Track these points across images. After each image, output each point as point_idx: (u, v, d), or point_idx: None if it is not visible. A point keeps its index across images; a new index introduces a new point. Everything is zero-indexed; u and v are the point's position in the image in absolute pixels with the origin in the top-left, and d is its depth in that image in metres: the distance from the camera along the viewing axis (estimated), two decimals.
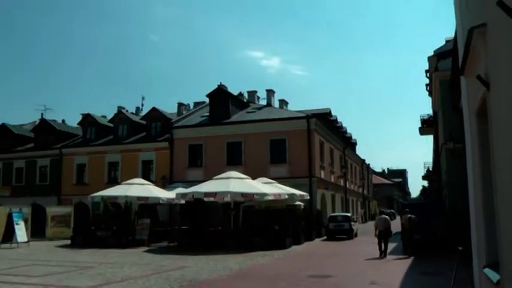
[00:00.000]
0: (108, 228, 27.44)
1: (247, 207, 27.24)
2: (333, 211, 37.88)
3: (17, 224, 27.93)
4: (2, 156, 46.51)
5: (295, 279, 13.33)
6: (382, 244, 19.78)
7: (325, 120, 39.12)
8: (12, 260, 20.31)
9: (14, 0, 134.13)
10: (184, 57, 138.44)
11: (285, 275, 14.29)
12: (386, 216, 21.49)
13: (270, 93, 42.01)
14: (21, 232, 28.04)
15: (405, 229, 21.07)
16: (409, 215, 21.05)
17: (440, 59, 24.75)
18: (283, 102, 43.42)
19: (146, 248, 24.52)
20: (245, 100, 42.95)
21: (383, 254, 19.64)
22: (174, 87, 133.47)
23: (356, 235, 31.71)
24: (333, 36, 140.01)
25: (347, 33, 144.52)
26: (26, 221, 29.92)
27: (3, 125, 48.26)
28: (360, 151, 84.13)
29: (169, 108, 45.53)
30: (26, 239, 28.22)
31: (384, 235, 19.94)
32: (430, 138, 41.92)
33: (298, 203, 29.22)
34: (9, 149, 46.49)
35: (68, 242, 29.17)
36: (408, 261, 17.63)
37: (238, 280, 13.43)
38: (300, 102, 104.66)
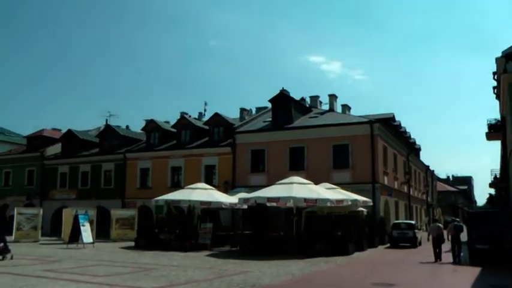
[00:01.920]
0: (171, 231, 27.82)
1: (309, 213, 27.02)
2: (396, 218, 37.05)
3: (82, 225, 28.85)
4: (68, 160, 48.17)
5: (358, 287, 13.07)
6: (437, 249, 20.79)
7: (388, 125, 38.42)
8: (79, 259, 20.89)
9: (80, 12, 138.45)
10: (245, 62, 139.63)
11: (348, 282, 14.06)
12: (439, 224, 22.69)
13: (332, 98, 41.56)
14: (86, 233, 28.95)
15: (452, 236, 20.74)
16: (455, 223, 21.50)
17: (508, 60, 23.90)
18: (345, 107, 42.92)
19: (209, 252, 24.60)
20: (307, 105, 42.72)
21: (438, 258, 20.61)
22: (236, 92, 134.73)
23: (420, 243, 30.77)
24: (394, 39, 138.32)
25: (409, 36, 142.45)
26: (91, 223, 30.93)
27: (70, 131, 49.99)
28: (424, 157, 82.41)
29: (231, 113, 45.76)
30: (91, 240, 29.10)
31: (437, 241, 20.89)
32: (497, 143, 40.61)
33: (361, 209, 28.77)
34: (75, 153, 48.06)
35: (132, 243, 29.77)
36: (475, 272, 16.96)
37: (300, 286, 13.30)
38: (362, 107, 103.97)
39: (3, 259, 19.32)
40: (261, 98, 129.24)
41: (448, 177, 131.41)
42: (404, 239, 29.63)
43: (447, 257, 20.74)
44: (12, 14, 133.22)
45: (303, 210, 26.21)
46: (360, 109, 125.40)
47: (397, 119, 44.86)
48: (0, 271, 16.34)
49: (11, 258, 19.50)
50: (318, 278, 15.05)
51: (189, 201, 27.72)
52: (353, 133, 34.20)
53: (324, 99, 43.16)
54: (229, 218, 33.93)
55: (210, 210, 30.39)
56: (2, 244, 19.70)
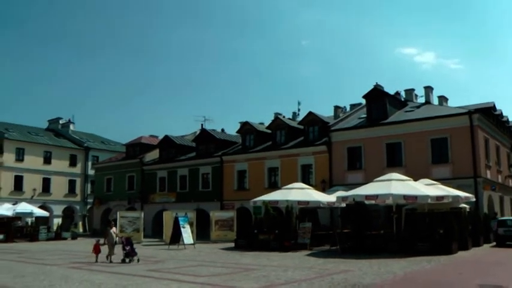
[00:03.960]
0: (270, 231, 28.04)
1: (409, 210, 26.40)
2: (501, 215, 35.31)
3: (183, 227, 29.85)
4: (166, 165, 49.93)
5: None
6: None
7: (489, 116, 36.72)
8: (180, 260, 21.65)
9: (171, 19, 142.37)
10: (337, 60, 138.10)
11: (453, 282, 13.62)
12: None
13: (428, 90, 40.36)
14: (187, 235, 29.92)
15: None
16: None
17: None
18: (442, 99, 41.53)
19: (308, 252, 24.69)
20: (402, 99, 41.82)
21: None
22: (329, 90, 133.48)
23: None
24: (490, 24, 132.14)
25: (506, 20, 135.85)
26: (191, 225, 31.96)
27: (167, 137, 51.81)
28: None
29: (325, 111, 45.61)
30: (191, 241, 30.05)
31: None
32: None
33: (463, 205, 27.67)
34: (173, 158, 49.74)
35: (232, 244, 30.43)
36: None
37: (403, 286, 13.09)
38: (460, 98, 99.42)
39: (130, 262, 20.08)
40: (354, 94, 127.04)
41: None
42: None
43: None
44: (112, 27, 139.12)
45: (402, 208, 25.61)
46: (458, 100, 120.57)
47: (498, 108, 42.90)
48: (106, 271, 17.33)
49: (138, 261, 20.21)
50: (420, 278, 14.74)
51: (287, 201, 27.87)
52: (451, 125, 33.01)
53: (419, 91, 42.14)
54: (328, 217, 33.89)
55: (308, 210, 30.50)
56: (129, 247, 20.42)
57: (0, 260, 23.26)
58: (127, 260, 20.24)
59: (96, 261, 20.59)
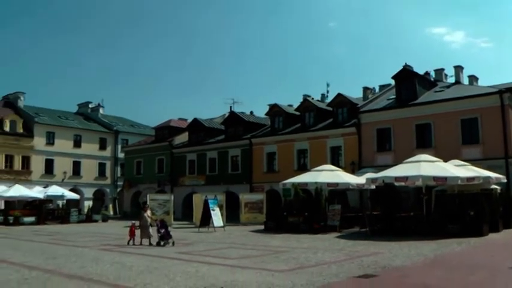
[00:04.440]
0: (300, 214, 28.10)
1: (439, 192, 26.18)
2: None
3: (212, 210, 30.04)
4: (195, 148, 50.35)
5: (494, 270, 12.52)
6: None
7: None
8: (211, 242, 21.80)
9: (197, 0, 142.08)
10: (366, 41, 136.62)
11: (484, 264, 13.48)
12: None
13: (458, 69, 39.81)
14: (217, 217, 30.15)
15: None
16: None
17: None
18: (473, 78, 40.96)
19: (338, 234, 24.78)
20: (432, 79, 41.32)
21: None
22: (358, 71, 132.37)
23: None
24: None
25: None
26: (221, 207, 32.16)
27: (196, 120, 52.13)
28: None
29: (354, 93, 45.30)
30: (221, 224, 30.34)
31: None
32: None
33: (494, 186, 27.34)
34: (202, 141, 50.16)
35: (261, 227, 30.62)
36: None
37: (434, 268, 13.03)
38: (490, 77, 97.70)
39: (164, 245, 19.97)
40: (383, 75, 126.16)
41: None
42: None
43: None
44: (151, 14, 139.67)
45: (432, 189, 25.42)
46: (488, 79, 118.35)
47: None
48: (137, 253, 17.63)
49: (173, 244, 20.09)
50: (451, 260, 14.66)
51: (316, 183, 27.98)
52: (482, 105, 32.57)
53: (449, 71, 41.63)
54: (357, 199, 33.78)
55: (338, 192, 30.58)
56: (163, 230, 20.26)
57: (32, 242, 23.80)
58: (162, 243, 20.12)
59: (133, 243, 20.76)
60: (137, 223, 21.85)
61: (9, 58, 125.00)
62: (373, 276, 11.48)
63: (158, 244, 20.14)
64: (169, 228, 21.43)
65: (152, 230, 21.22)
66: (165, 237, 20.26)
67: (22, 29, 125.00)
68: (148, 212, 22.29)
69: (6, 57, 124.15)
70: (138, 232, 21.41)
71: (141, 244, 20.66)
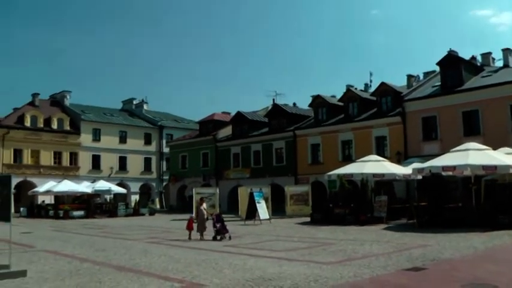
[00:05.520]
0: (346, 205, 27.94)
1: (489, 181, 25.41)
2: None
3: (258, 202, 30.08)
4: (239, 141, 50.53)
5: None
6: None
7: None
8: (257, 235, 21.82)
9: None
10: (408, 28, 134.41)
11: None
12: None
13: (507, 52, 38.33)
14: (262, 210, 30.19)
15: None
16: None
17: None
18: None
19: (384, 226, 24.46)
20: (478, 64, 40.29)
21: None
22: (401, 59, 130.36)
23: None
24: None
25: None
26: (266, 200, 32.13)
27: (239, 113, 52.22)
28: None
29: (398, 81, 44.72)
30: (267, 216, 30.37)
31: None
32: None
33: None
34: (246, 134, 50.25)
35: (307, 219, 30.53)
36: None
37: (484, 261, 12.67)
38: None
39: (221, 239, 19.43)
40: (428, 62, 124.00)
41: None
42: None
43: None
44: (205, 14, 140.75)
45: (481, 179, 24.74)
46: None
47: None
48: (184, 246, 17.76)
49: (229, 238, 19.57)
50: (503, 253, 14.26)
51: (362, 174, 27.85)
52: None
53: (497, 55, 40.52)
54: (404, 189, 33.24)
55: (384, 183, 30.23)
56: (219, 224, 19.76)
57: (82, 235, 24.38)
58: (218, 237, 19.61)
59: (190, 238, 20.22)
60: (194, 217, 21.56)
61: (55, 58, 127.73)
62: (422, 269, 11.24)
63: (214, 239, 19.60)
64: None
65: (207, 224, 20.83)
66: (221, 232, 19.74)
67: (66, 28, 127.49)
68: (205, 205, 21.75)
69: (52, 57, 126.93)
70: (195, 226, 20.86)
71: (199, 238, 20.00)
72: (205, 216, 20.99)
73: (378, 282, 9.94)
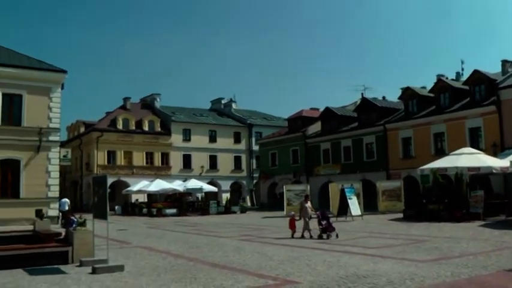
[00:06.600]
0: (440, 201, 27.18)
1: None
2: None
3: (349, 198, 30.00)
4: (329, 137, 50.23)
5: None
6: None
7: None
8: (349, 232, 21.72)
9: None
10: (499, 10, 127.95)
11: None
12: None
13: None
14: (354, 206, 30.08)
15: None
16: None
17: None
18: None
19: (481, 222, 23.58)
20: None
21: None
22: (494, 44, 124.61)
23: None
24: None
25: None
26: (358, 196, 31.83)
27: (328, 108, 52.00)
28: None
29: (492, 68, 42.77)
30: (359, 213, 30.24)
31: None
32: None
33: None
34: (336, 129, 49.86)
35: (400, 215, 30.09)
36: None
37: None
38: None
39: (327, 238, 18.77)
40: None
41: None
42: None
43: None
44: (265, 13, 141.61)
45: None
46: None
47: None
48: (276, 243, 17.83)
49: (337, 236, 18.91)
50: None
51: (456, 168, 27.04)
52: None
53: None
54: (501, 183, 31.87)
55: (479, 177, 29.12)
56: (325, 222, 19.14)
57: (175, 232, 24.98)
58: (324, 236, 18.87)
59: (293, 236, 19.77)
60: (297, 215, 21.09)
61: (143, 63, 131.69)
62: None
63: (320, 237, 18.90)
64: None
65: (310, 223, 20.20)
66: (327, 229, 19.03)
67: (142, 33, 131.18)
68: (309, 203, 21.10)
69: (142, 63, 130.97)
70: (298, 224, 20.43)
71: (302, 237, 19.40)
72: (309, 215, 20.33)
73: (477, 282, 9.55)
